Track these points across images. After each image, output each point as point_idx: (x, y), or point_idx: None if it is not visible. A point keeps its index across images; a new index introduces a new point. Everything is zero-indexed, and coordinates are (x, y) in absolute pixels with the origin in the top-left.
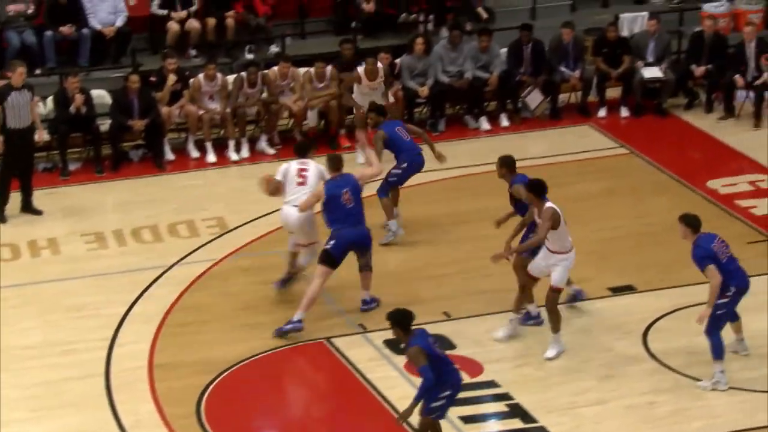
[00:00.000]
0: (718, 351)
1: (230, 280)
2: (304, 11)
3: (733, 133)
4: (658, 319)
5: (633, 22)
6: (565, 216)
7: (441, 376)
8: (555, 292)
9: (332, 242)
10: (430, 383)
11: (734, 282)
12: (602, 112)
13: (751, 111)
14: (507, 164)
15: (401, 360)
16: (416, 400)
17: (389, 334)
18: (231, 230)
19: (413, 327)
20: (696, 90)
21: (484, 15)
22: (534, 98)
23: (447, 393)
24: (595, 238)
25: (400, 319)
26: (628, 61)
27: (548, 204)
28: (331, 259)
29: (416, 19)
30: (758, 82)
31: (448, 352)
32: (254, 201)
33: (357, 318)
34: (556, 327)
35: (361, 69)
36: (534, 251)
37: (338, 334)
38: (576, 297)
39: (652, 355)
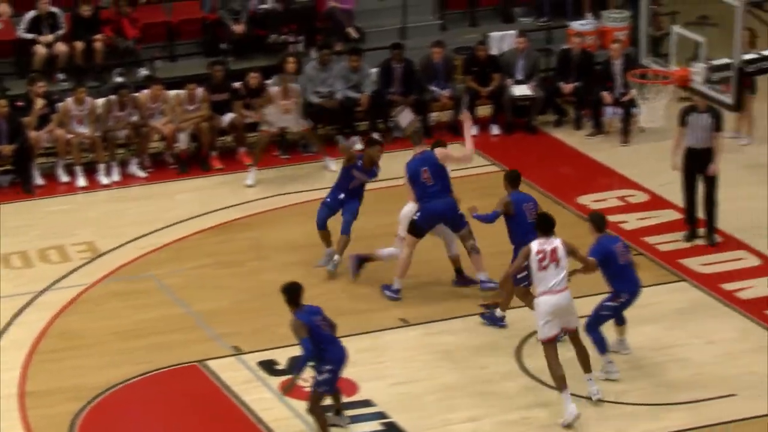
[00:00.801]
0: (601, 345)
1: (102, 304)
2: (173, 34)
3: (602, 149)
4: (531, 334)
5: (502, 41)
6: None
7: (322, 352)
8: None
9: (418, 213)
10: (309, 354)
11: (627, 288)
12: (473, 130)
13: (619, 127)
14: (507, 178)
15: (276, 381)
16: (296, 370)
17: (263, 356)
18: (102, 254)
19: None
20: (565, 107)
21: (354, 35)
22: (405, 117)
23: (329, 367)
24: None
25: (289, 294)
26: (497, 79)
27: (533, 243)
28: (417, 229)
29: (286, 40)
30: (625, 98)
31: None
32: (125, 224)
33: (231, 340)
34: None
35: (275, 89)
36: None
37: (212, 356)
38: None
39: (526, 371)
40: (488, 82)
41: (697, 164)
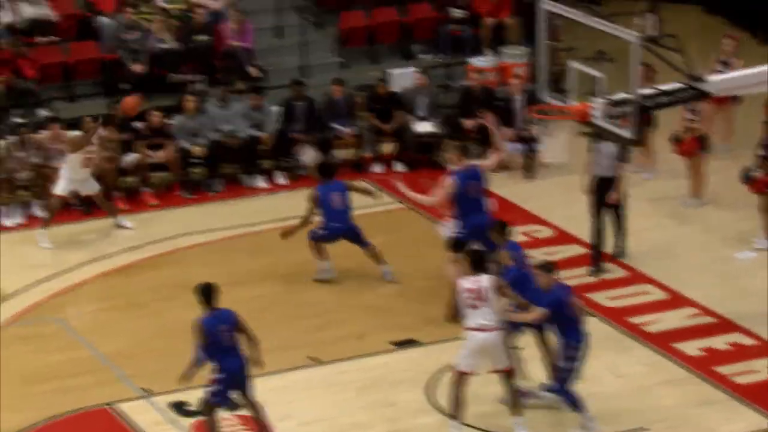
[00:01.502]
0: (575, 404)
1: (8, 348)
2: (70, 74)
3: (505, 184)
4: (443, 370)
5: (402, 78)
6: (347, 270)
7: (216, 361)
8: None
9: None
10: (199, 359)
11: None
12: (377, 168)
13: (522, 163)
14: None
15: (187, 422)
16: (192, 365)
17: (174, 397)
18: (6, 297)
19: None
20: (468, 143)
21: (255, 73)
22: (308, 155)
23: (221, 377)
24: (377, 294)
25: (201, 295)
26: (399, 116)
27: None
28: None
29: (185, 79)
30: (527, 134)
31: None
32: (30, 266)
33: (140, 382)
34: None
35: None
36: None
37: (121, 399)
38: None
39: (438, 408)
40: (390, 119)
41: (602, 192)
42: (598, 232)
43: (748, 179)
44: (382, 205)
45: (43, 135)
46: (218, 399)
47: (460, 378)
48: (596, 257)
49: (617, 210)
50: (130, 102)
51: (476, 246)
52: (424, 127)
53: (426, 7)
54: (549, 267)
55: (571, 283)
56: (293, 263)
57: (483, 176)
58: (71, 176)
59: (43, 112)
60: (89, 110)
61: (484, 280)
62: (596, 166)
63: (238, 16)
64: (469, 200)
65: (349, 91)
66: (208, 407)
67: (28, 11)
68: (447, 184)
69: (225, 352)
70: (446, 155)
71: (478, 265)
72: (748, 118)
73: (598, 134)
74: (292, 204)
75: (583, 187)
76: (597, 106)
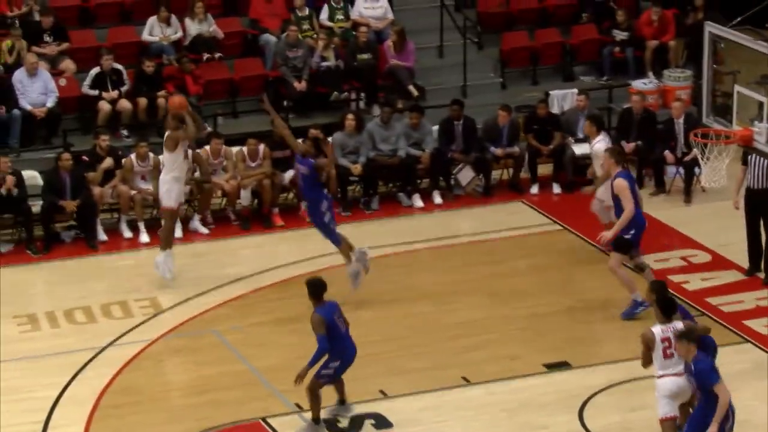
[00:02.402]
0: None
1: (163, 360)
2: (235, 90)
3: (664, 208)
4: (593, 395)
5: (563, 99)
6: (500, 291)
7: (336, 348)
8: None
9: (632, 232)
10: (324, 351)
11: None
12: (534, 189)
13: (681, 187)
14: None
15: None
16: (309, 364)
17: (325, 413)
18: (164, 311)
19: (327, 299)
20: (627, 166)
21: (415, 93)
22: (465, 175)
23: (336, 364)
24: (528, 314)
25: (313, 289)
26: (558, 137)
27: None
28: (627, 247)
29: (348, 98)
30: (687, 158)
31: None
32: (187, 281)
33: (292, 397)
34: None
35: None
36: None
37: (274, 413)
38: None
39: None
40: (549, 141)
41: (758, 205)
42: (753, 239)
43: None
44: (538, 226)
45: (204, 150)
46: (328, 380)
47: (667, 425)
48: (752, 261)
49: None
50: (176, 101)
51: (665, 291)
52: (582, 148)
53: (589, 28)
54: (690, 335)
55: (728, 310)
56: (446, 282)
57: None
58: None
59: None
60: (251, 127)
61: (677, 327)
62: (751, 177)
63: (400, 36)
64: (636, 202)
65: (513, 117)
66: (317, 384)
67: (195, 28)
68: (623, 187)
69: (343, 339)
70: (608, 160)
71: (669, 311)
72: None
73: (750, 148)
74: (447, 223)
75: (736, 202)
76: (760, 131)
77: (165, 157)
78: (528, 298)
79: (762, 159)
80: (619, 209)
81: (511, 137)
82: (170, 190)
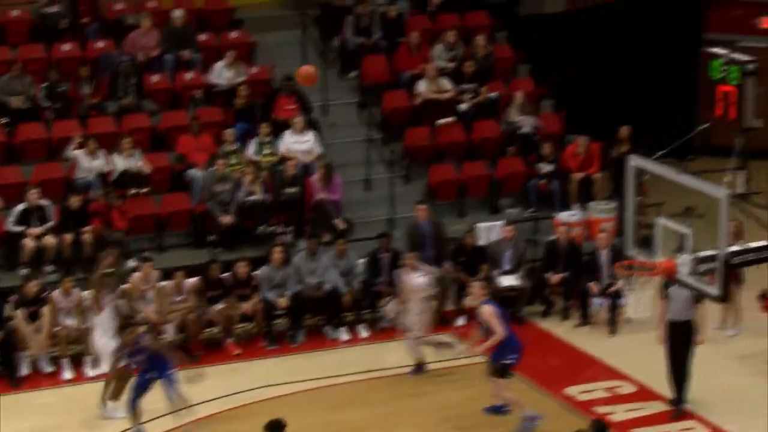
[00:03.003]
0: None
1: None
2: (162, 225)
3: (589, 339)
4: None
5: (489, 231)
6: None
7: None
8: None
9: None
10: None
11: None
12: (461, 321)
13: (606, 318)
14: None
15: None
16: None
17: None
18: None
19: None
20: (552, 298)
21: (342, 226)
22: (393, 308)
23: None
24: None
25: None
26: (485, 269)
27: None
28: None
29: (275, 231)
30: (612, 289)
31: None
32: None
33: None
34: None
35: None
36: None
37: None
38: None
39: None
40: (476, 272)
41: (679, 338)
42: (678, 377)
43: None
44: (468, 358)
45: (133, 279)
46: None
47: None
48: (678, 400)
49: (688, 351)
50: (305, 71)
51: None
52: (508, 280)
53: (515, 161)
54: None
55: None
56: (371, 417)
57: None
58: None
59: (131, 263)
60: (177, 261)
61: None
62: (672, 310)
63: (326, 170)
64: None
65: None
66: None
67: (122, 163)
68: (490, 313)
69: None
70: (478, 291)
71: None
72: None
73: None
74: (373, 356)
75: (658, 338)
76: (683, 263)
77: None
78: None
79: (682, 291)
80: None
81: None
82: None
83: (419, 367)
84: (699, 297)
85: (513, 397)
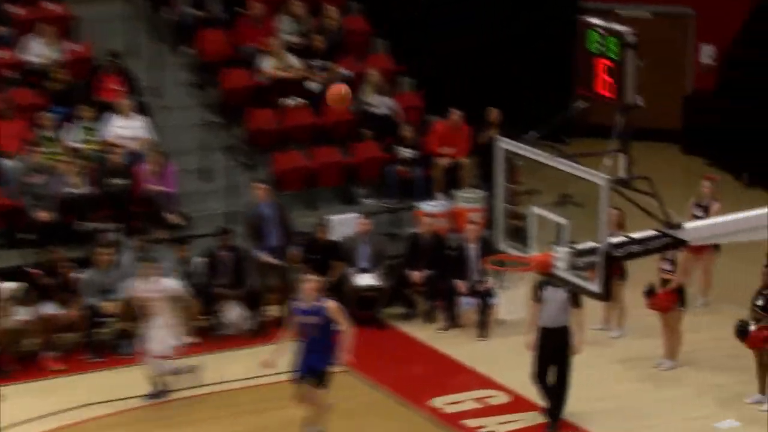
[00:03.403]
0: None
1: None
2: None
3: (457, 344)
4: None
5: (343, 224)
6: None
7: None
8: None
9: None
10: None
11: None
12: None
13: (475, 320)
14: None
15: None
16: None
17: None
18: None
19: None
20: (415, 298)
21: (177, 220)
22: (234, 312)
23: None
24: None
25: None
26: (339, 267)
27: None
28: None
29: (99, 228)
30: (481, 288)
31: None
32: None
33: None
34: None
35: None
36: None
37: None
38: None
39: None
40: (328, 271)
41: (551, 346)
42: (546, 387)
43: (743, 333)
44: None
45: None
46: None
47: None
48: (555, 415)
49: (566, 362)
50: (336, 91)
51: None
52: (365, 280)
53: (371, 146)
54: None
55: None
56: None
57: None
58: None
59: None
60: None
61: None
62: (545, 315)
63: (158, 158)
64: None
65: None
66: None
67: None
68: (336, 308)
69: None
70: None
71: None
72: (729, 268)
73: (548, 280)
74: (210, 368)
75: (527, 344)
76: (560, 256)
77: None
78: None
79: (557, 293)
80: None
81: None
82: None
83: (159, 393)
84: (576, 301)
85: (326, 406)
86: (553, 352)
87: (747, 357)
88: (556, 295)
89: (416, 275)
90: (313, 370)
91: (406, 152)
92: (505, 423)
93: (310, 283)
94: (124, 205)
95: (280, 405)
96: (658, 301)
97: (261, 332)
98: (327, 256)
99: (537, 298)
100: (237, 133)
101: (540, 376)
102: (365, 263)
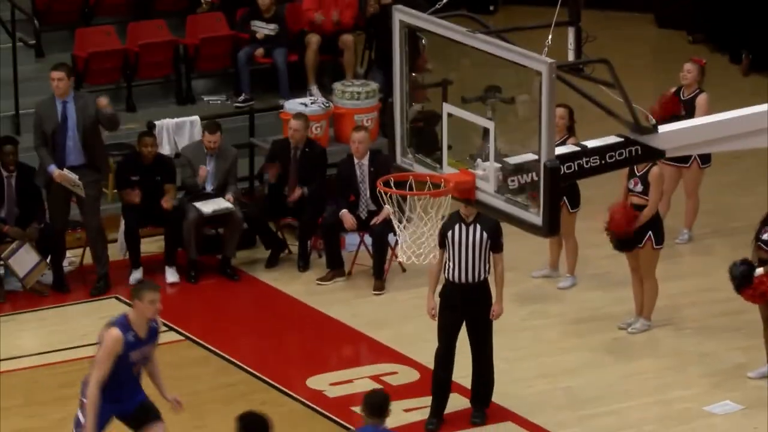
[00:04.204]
0: None
1: None
2: None
3: (344, 300)
4: None
5: (177, 132)
6: None
7: None
8: None
9: None
10: None
11: None
12: (137, 275)
13: (368, 266)
14: None
15: None
16: None
17: None
18: None
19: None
20: (282, 234)
21: None
22: (23, 261)
23: None
24: None
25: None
26: (171, 192)
27: None
28: None
29: None
30: (376, 220)
31: None
32: None
33: None
34: None
35: None
36: None
37: None
38: None
39: None
40: (155, 198)
41: (463, 305)
42: (448, 362)
43: (744, 279)
44: None
45: None
46: None
47: None
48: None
49: (487, 329)
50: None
51: None
52: (210, 206)
53: (214, 20)
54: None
55: None
56: None
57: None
58: None
59: None
60: None
61: None
62: (454, 265)
63: None
64: None
65: None
66: None
67: None
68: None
69: None
70: None
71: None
72: (723, 189)
73: (456, 218)
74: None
75: (432, 308)
76: (485, 175)
77: None
78: None
79: (474, 233)
80: None
81: None
82: None
83: None
84: (495, 244)
85: None
86: (467, 316)
87: (749, 313)
88: (469, 236)
89: (294, 195)
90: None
91: (265, 28)
92: (412, 410)
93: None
94: None
95: None
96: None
97: (63, 288)
98: (153, 176)
99: (441, 240)
100: (21, 2)
101: (448, 351)
102: (209, 186)
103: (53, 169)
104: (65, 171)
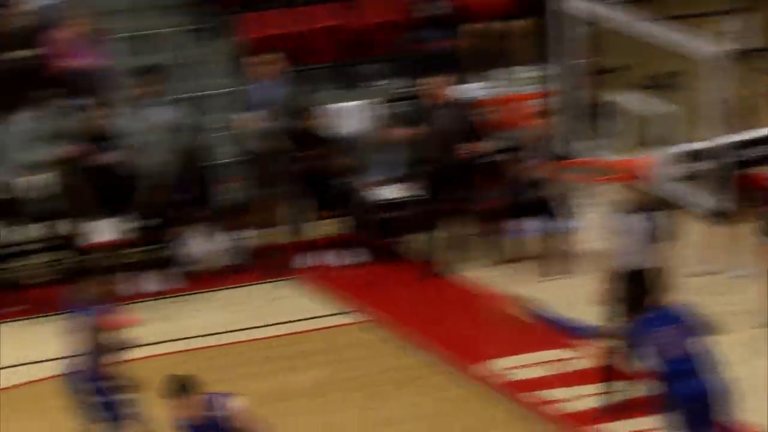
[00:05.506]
0: None
1: None
2: None
3: (520, 285)
4: None
5: (347, 117)
6: None
7: None
8: None
9: None
10: None
11: None
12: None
13: (542, 251)
14: None
15: None
16: None
17: None
18: None
19: None
20: (461, 222)
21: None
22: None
23: None
24: None
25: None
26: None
27: None
28: None
29: None
30: (552, 206)
31: None
32: None
33: None
34: None
35: None
36: None
37: None
38: None
39: None
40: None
41: (631, 295)
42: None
43: None
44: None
45: None
46: None
47: None
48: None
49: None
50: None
51: None
52: (389, 192)
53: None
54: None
55: None
56: None
57: None
58: None
59: None
60: None
61: None
62: (622, 254)
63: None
64: None
65: None
66: None
67: None
68: None
69: None
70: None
71: None
72: None
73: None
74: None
75: (600, 289)
76: (661, 161)
77: None
78: None
79: (633, 221)
80: None
81: None
82: None
83: None
84: (667, 233)
85: None
86: (634, 303)
87: None
88: (634, 222)
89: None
90: None
91: (433, 8)
92: (588, 396)
93: None
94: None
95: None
96: None
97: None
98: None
99: (614, 228)
100: None
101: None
102: (383, 172)
103: None
104: None
